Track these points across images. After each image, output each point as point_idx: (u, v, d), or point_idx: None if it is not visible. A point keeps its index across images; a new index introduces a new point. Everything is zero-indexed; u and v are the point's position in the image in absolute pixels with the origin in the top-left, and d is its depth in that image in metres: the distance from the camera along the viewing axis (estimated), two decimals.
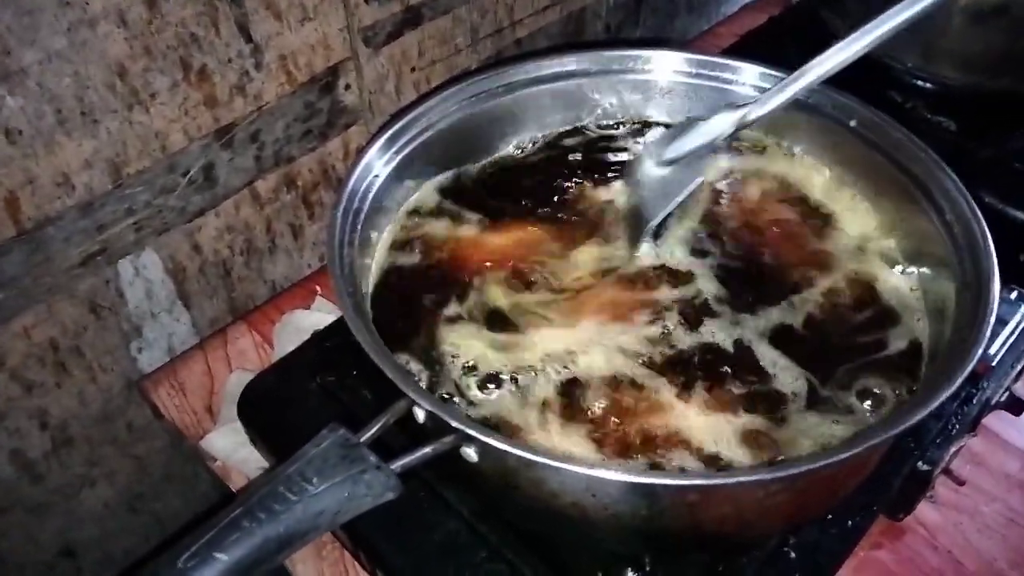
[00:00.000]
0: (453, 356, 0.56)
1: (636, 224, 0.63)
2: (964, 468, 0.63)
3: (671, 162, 0.64)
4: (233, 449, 0.66)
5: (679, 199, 0.62)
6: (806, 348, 0.56)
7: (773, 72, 0.66)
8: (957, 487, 0.62)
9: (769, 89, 0.61)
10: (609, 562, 0.52)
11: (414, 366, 0.55)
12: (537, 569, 0.52)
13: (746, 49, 0.96)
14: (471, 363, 0.55)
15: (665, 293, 0.59)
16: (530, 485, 0.45)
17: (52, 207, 0.59)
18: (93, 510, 0.77)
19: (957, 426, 0.59)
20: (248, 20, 0.63)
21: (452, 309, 0.59)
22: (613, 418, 0.52)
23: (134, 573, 0.37)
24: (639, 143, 0.71)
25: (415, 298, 0.60)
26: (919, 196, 0.59)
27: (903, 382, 0.54)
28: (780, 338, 0.56)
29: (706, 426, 0.51)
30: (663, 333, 0.57)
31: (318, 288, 0.80)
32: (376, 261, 0.62)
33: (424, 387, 0.54)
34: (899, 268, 0.61)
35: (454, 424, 0.43)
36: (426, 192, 0.67)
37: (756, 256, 0.62)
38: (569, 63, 0.69)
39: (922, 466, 0.57)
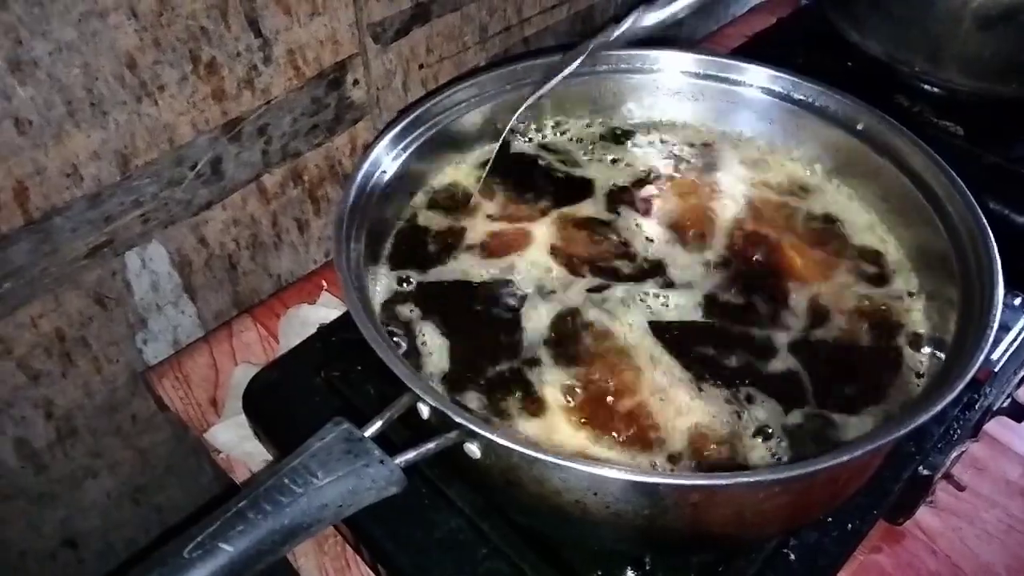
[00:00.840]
0: None
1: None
2: (965, 474, 0.63)
3: None
4: (237, 442, 0.67)
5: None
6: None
7: (781, 73, 0.66)
8: (957, 492, 0.62)
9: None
10: (609, 561, 0.52)
11: None
12: (537, 567, 0.52)
13: (754, 50, 0.96)
14: None
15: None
16: (532, 482, 0.45)
17: (60, 198, 0.59)
18: (96, 501, 0.77)
19: (958, 431, 0.59)
20: (258, 14, 0.63)
21: None
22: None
23: (139, 563, 0.38)
24: (641, 142, 0.72)
25: None
26: (924, 200, 0.59)
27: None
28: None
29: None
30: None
31: (324, 283, 0.80)
32: None
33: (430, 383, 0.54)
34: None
35: (457, 420, 0.44)
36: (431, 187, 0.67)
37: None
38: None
39: (923, 471, 0.57)
